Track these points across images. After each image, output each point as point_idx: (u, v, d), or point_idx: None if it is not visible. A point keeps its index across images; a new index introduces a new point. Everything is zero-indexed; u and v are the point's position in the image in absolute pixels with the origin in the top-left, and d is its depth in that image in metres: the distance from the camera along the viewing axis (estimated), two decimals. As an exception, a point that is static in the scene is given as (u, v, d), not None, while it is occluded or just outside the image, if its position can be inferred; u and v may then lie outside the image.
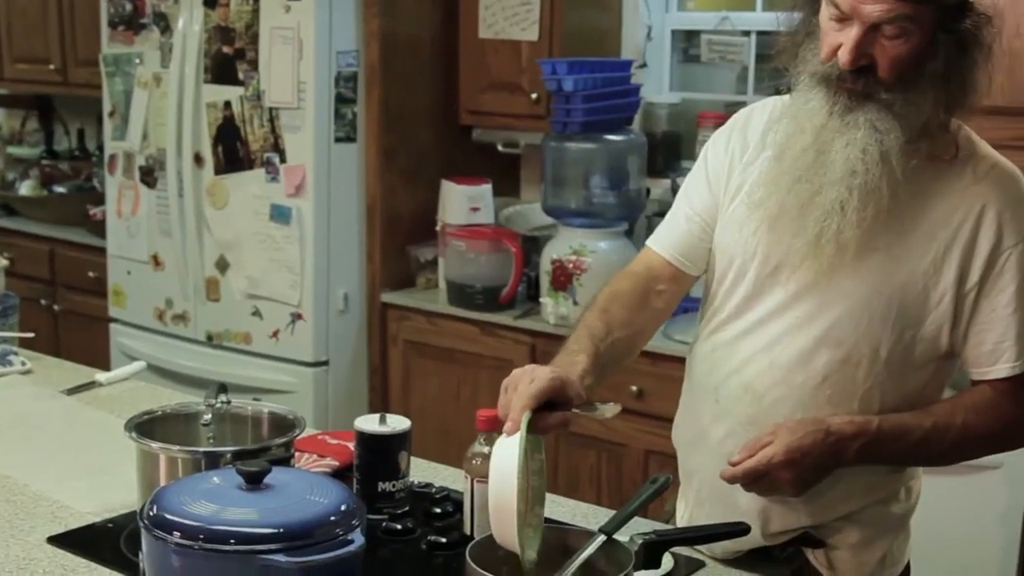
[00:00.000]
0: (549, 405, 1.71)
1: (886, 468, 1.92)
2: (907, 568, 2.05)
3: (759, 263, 1.89)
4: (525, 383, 1.70)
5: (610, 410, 1.81)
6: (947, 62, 1.74)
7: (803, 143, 1.81)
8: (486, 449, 1.91)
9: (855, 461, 1.81)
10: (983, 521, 3.03)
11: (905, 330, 1.83)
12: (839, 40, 1.74)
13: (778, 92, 1.95)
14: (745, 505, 1.90)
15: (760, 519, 1.91)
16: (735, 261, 1.93)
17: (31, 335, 3.02)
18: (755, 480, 1.80)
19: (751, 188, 1.91)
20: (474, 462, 1.91)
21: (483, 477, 1.87)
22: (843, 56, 1.73)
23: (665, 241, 2.05)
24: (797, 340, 1.86)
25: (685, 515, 2.07)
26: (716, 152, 2.02)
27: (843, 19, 1.73)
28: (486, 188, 4.14)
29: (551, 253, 3.81)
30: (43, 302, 5.25)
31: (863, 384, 1.84)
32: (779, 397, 1.87)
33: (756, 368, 1.89)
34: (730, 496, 1.90)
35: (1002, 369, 1.83)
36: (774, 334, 1.88)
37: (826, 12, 1.77)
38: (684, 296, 2.08)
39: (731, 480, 1.81)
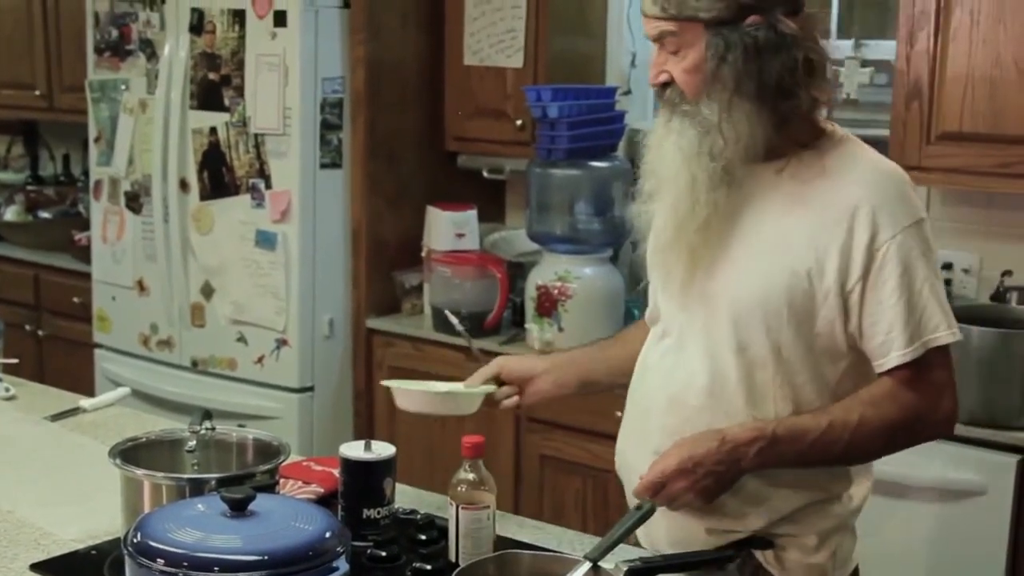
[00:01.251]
0: None
1: (825, 470, 1.97)
2: (856, 571, 2.08)
3: (664, 283, 2.04)
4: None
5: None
6: (721, 70, 1.86)
7: (651, 157, 1.99)
8: (471, 476, 1.91)
9: (757, 465, 1.87)
10: (967, 548, 3.04)
11: (800, 328, 1.89)
12: None
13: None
14: (689, 513, 1.95)
15: (705, 524, 1.97)
16: (652, 286, 2.11)
17: (15, 361, 3.02)
18: (656, 492, 1.88)
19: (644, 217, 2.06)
20: (459, 489, 1.91)
21: (468, 504, 1.87)
22: (650, 75, 1.96)
23: (645, 306, 2.24)
24: (708, 349, 1.95)
25: (646, 535, 2.10)
26: None
27: None
28: (471, 214, 4.14)
29: (536, 279, 3.81)
30: (27, 327, 5.23)
31: (774, 384, 1.92)
32: (701, 406, 1.95)
33: (678, 381, 1.98)
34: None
35: (893, 358, 1.88)
36: (689, 347, 1.98)
37: None
38: None
39: (638, 495, 1.89)
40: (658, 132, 1.96)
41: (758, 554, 1.98)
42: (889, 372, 1.89)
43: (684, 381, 1.97)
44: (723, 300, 1.93)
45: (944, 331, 1.88)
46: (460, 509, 1.91)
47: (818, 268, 1.87)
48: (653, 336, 2.09)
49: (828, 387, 1.93)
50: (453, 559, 1.92)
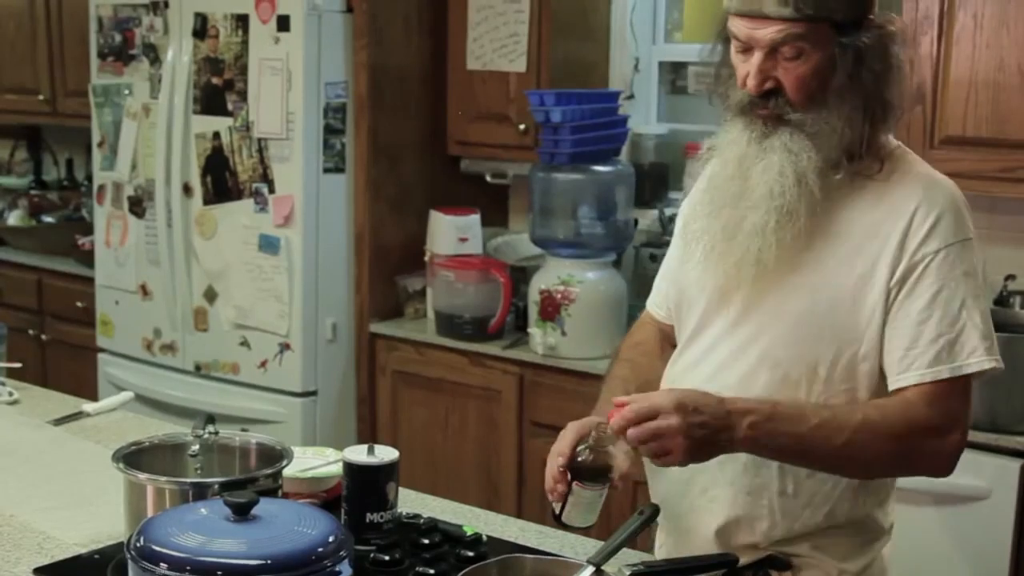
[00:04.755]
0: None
1: (848, 490, 1.89)
2: None
3: (703, 293, 1.95)
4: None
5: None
6: (852, 77, 1.78)
7: (728, 173, 1.88)
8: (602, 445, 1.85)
9: (750, 439, 1.75)
10: (971, 552, 3.03)
11: (842, 347, 1.83)
12: (746, 69, 1.81)
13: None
14: (706, 526, 1.92)
15: (721, 537, 1.92)
16: (684, 294, 2.01)
17: (18, 365, 3.02)
18: (644, 427, 1.72)
19: (687, 222, 1.99)
20: (579, 459, 1.84)
21: (582, 482, 1.84)
22: (749, 82, 1.80)
23: (651, 299, 2.19)
24: (739, 364, 1.89)
25: (664, 546, 2.06)
26: (687, 201, 2.08)
27: (746, 49, 1.81)
28: (474, 218, 4.14)
29: (539, 283, 3.81)
30: (31, 332, 5.24)
31: (824, 394, 1.84)
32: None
33: (731, 389, 1.86)
34: (691, 518, 1.94)
35: (911, 377, 1.80)
36: (719, 360, 1.92)
37: (733, 46, 1.84)
38: None
39: (620, 427, 1.73)
40: (747, 147, 1.84)
41: (774, 574, 1.92)
42: (904, 389, 1.80)
43: (738, 388, 1.86)
44: (765, 316, 1.86)
45: (977, 357, 1.80)
46: (574, 485, 1.84)
47: (863, 282, 1.81)
48: (683, 344, 2.00)
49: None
50: (558, 512, 1.88)
